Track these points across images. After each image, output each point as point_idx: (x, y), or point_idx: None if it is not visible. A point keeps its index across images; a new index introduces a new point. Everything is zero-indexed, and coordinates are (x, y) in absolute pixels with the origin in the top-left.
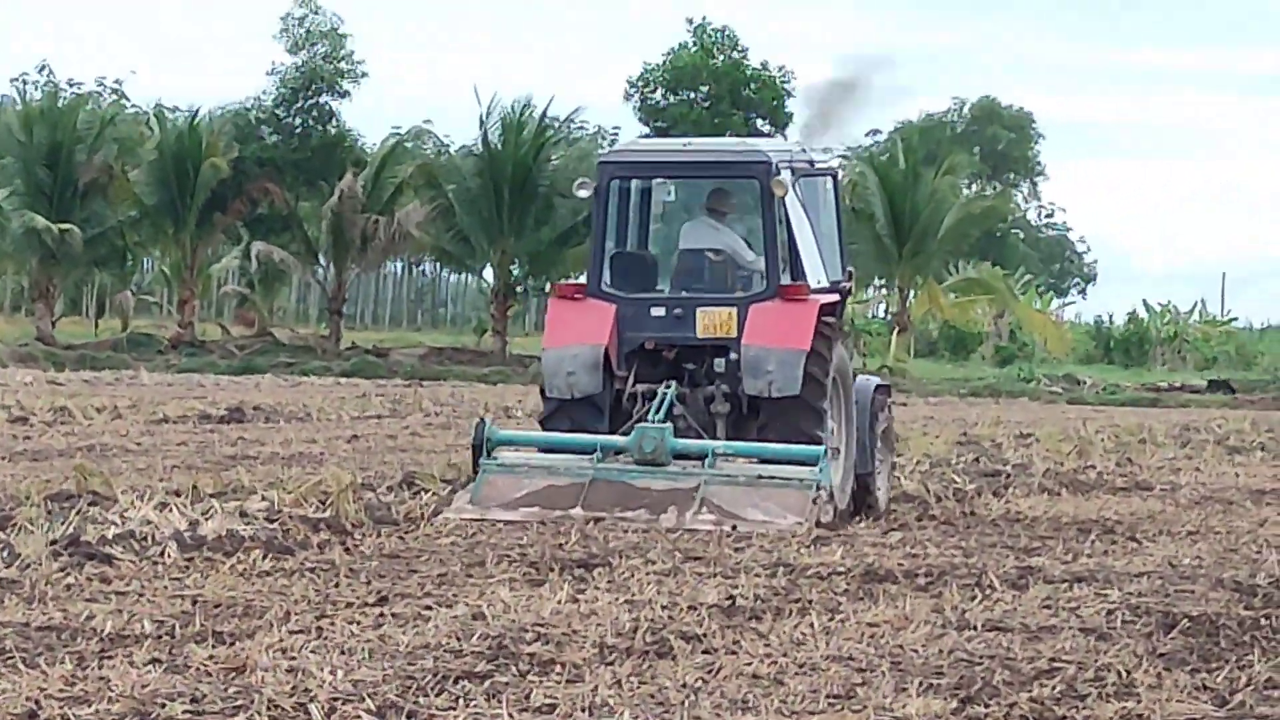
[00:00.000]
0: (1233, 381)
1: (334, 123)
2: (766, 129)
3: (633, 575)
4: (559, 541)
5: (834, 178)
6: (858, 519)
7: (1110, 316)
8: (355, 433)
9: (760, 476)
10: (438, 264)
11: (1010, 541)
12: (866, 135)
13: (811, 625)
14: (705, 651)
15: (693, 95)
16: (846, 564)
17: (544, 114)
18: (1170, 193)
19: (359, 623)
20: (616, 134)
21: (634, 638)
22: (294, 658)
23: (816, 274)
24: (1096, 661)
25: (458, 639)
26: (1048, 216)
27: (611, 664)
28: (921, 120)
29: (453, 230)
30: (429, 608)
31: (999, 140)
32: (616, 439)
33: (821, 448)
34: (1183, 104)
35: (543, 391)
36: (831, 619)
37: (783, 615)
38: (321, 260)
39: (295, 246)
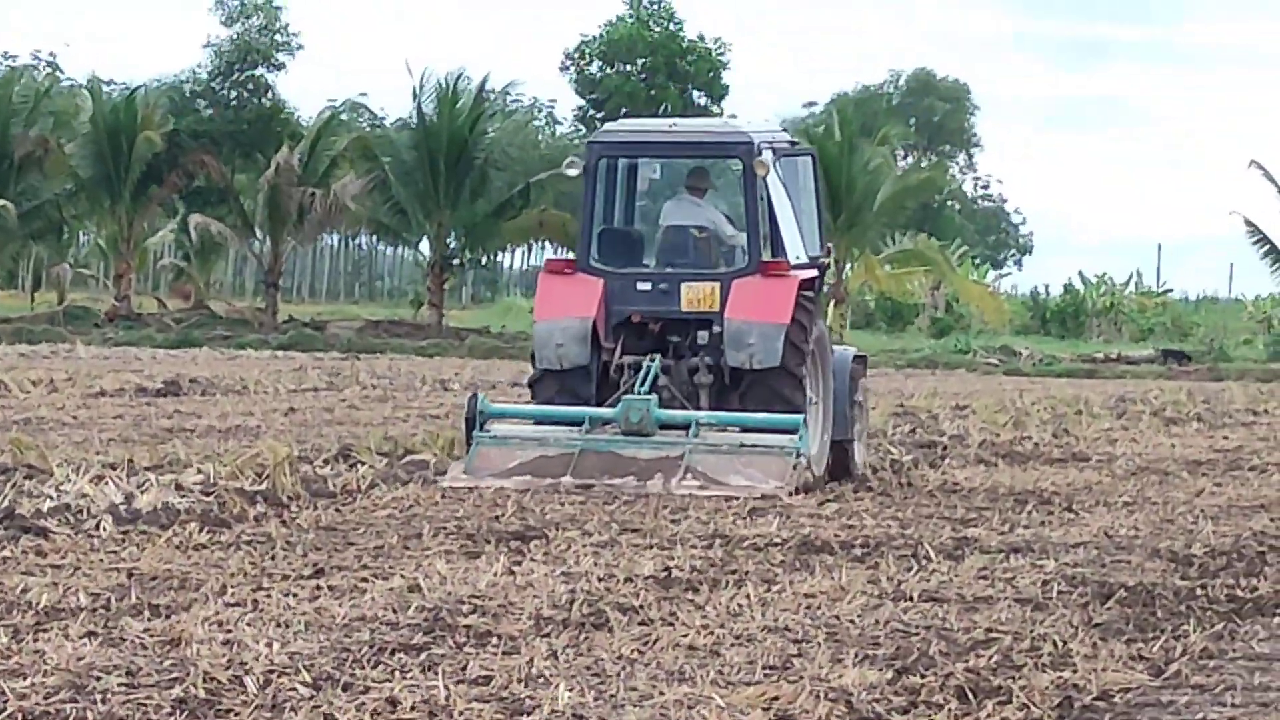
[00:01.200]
0: (1182, 351)
1: (269, 95)
2: (702, 101)
3: (569, 547)
4: (495, 514)
5: (813, 158)
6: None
7: (1046, 288)
8: (292, 405)
9: (743, 445)
10: (374, 237)
11: (946, 512)
12: (803, 107)
13: (748, 596)
14: (641, 623)
15: (629, 67)
16: (783, 535)
17: (481, 86)
18: (1106, 165)
19: (295, 595)
20: (553, 106)
21: (570, 609)
22: (230, 630)
23: (796, 250)
24: (1032, 631)
25: (394, 611)
26: (984, 188)
27: (548, 636)
28: (857, 92)
29: (389, 203)
30: (365, 580)
31: (935, 112)
32: (604, 410)
33: (801, 416)
34: (1118, 76)
35: (533, 362)
36: (768, 590)
37: (719, 586)
38: (258, 233)
39: (231, 219)
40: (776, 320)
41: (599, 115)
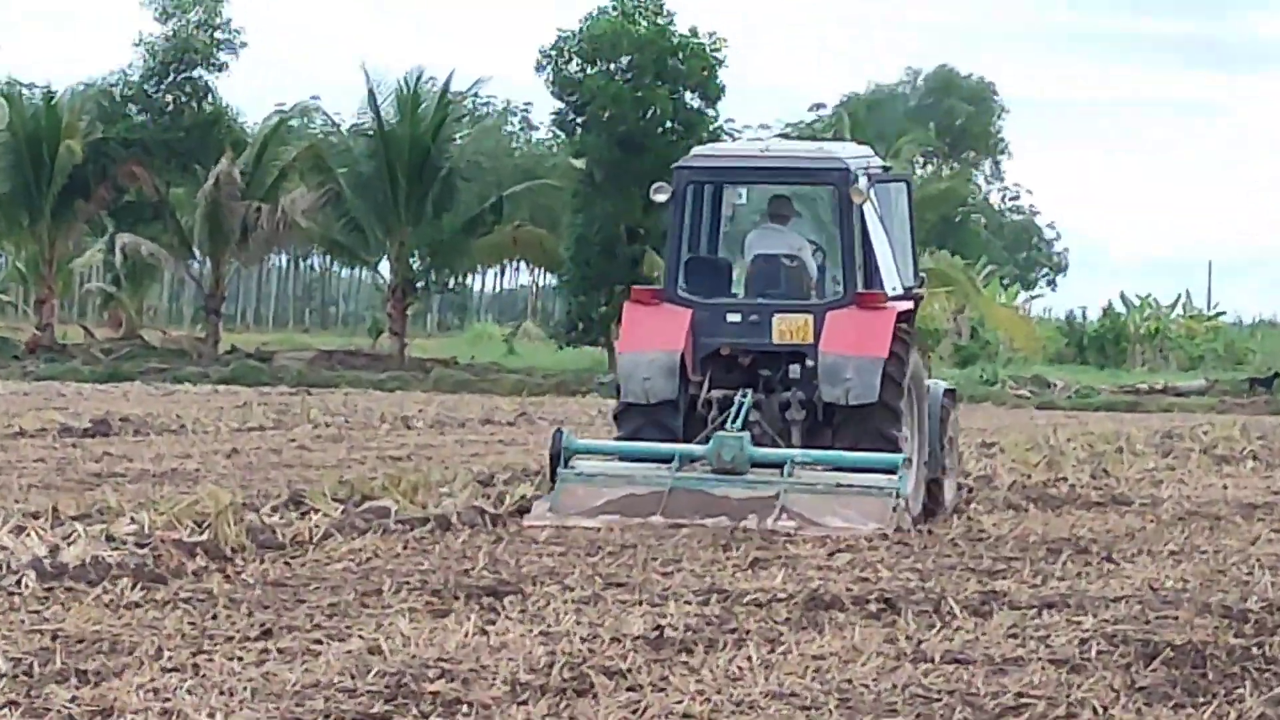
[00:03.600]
0: (1273, 374)
1: (209, 99)
2: (695, 103)
3: (548, 604)
4: (465, 566)
5: (907, 184)
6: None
7: (1083, 311)
8: (235, 446)
9: (840, 484)
10: (327, 257)
11: (972, 563)
12: (810, 110)
13: (749, 658)
14: (630, 689)
15: (613, 66)
16: (788, 589)
17: (445, 88)
18: (1150, 174)
19: (240, 659)
20: (528, 110)
21: (550, 674)
22: (168, 699)
23: (891, 281)
24: (1069, 696)
25: (351, 677)
26: (1012, 199)
27: (524, 703)
28: (870, 93)
29: (344, 219)
30: (319, 641)
31: (957, 114)
32: (694, 448)
33: (901, 455)
34: (1165, 77)
35: (617, 396)
36: (771, 651)
37: (716, 647)
38: (196, 254)
39: (167, 238)
40: (874, 354)
41: (579, 120)
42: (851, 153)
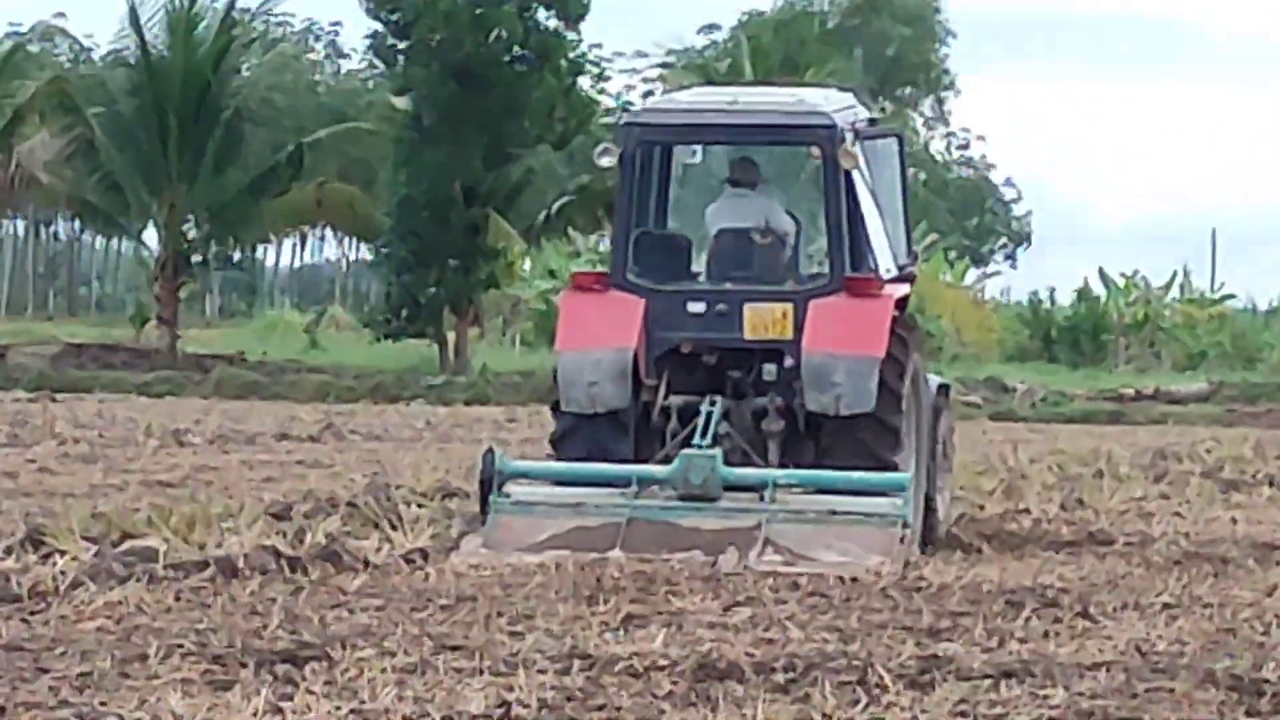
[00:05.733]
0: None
1: None
2: (551, 22)
3: (362, 673)
4: (255, 625)
5: (899, 140)
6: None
7: (1051, 294)
8: None
9: (834, 511)
10: (77, 222)
11: (908, 620)
12: (699, 33)
13: None
14: None
15: None
16: (671, 654)
17: (229, 5)
18: (1137, 118)
19: None
20: (336, 32)
21: None
22: None
23: (885, 260)
24: None
25: None
26: (960, 149)
27: None
28: (777, 11)
29: (98, 174)
30: None
31: (889, 40)
32: (655, 469)
33: (906, 475)
34: None
35: (555, 407)
36: None
37: None
38: None
39: None
40: (868, 352)
41: (402, 46)
42: (835, 104)
